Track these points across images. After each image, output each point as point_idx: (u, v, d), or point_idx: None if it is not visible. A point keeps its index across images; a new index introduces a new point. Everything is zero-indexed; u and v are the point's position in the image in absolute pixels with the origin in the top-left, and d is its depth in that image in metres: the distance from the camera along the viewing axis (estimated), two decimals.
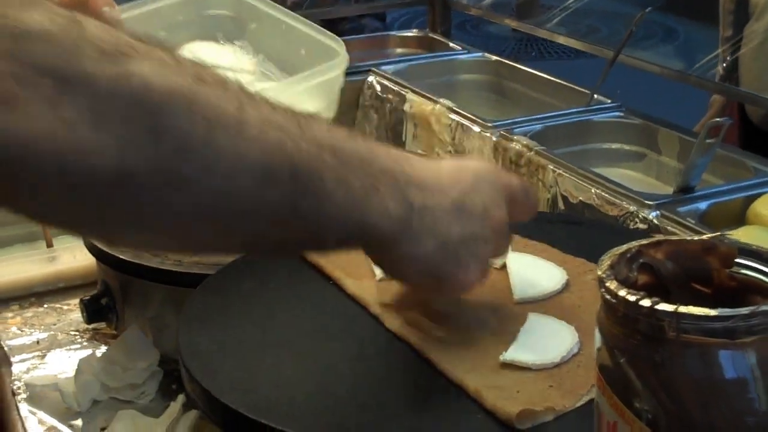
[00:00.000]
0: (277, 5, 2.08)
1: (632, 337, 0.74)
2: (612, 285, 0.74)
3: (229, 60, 1.82)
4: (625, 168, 1.99)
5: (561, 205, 1.74)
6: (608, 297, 0.74)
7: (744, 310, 0.70)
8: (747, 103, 2.43)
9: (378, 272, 1.41)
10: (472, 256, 1.07)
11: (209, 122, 0.79)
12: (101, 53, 0.75)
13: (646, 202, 1.57)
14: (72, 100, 0.73)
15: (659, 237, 0.81)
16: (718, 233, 0.83)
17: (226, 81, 0.82)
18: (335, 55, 1.92)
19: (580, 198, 1.69)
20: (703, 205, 1.58)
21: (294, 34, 2.00)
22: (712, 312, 0.70)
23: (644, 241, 0.81)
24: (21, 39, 0.71)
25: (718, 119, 1.51)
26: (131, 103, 0.75)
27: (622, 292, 0.73)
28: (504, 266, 1.42)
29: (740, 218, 1.59)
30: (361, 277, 1.41)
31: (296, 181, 0.86)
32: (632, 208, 1.58)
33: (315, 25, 2.03)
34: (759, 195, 1.57)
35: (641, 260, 0.79)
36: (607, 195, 1.64)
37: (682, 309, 0.70)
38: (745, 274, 0.80)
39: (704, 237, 0.81)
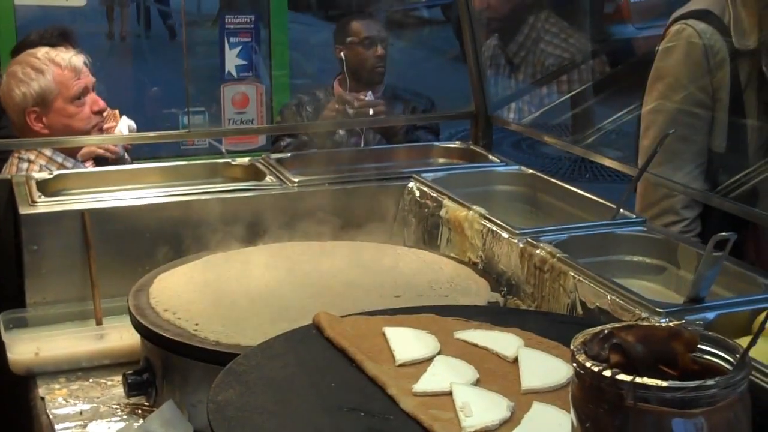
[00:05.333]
0: None
1: (598, 405, 0.84)
2: (581, 358, 0.85)
3: None
4: (646, 280, 2.08)
5: (579, 310, 1.84)
6: (577, 369, 0.85)
7: (692, 384, 0.80)
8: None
9: (398, 357, 1.52)
10: None
11: None
12: None
13: (657, 309, 1.66)
14: None
15: (630, 321, 0.92)
16: (683, 321, 0.93)
17: None
18: None
19: (597, 304, 1.79)
20: (710, 315, 1.66)
21: None
22: (664, 383, 0.80)
23: (617, 325, 0.91)
24: None
25: (724, 233, 1.61)
26: None
27: (588, 363, 0.83)
28: (516, 359, 1.52)
29: (746, 329, 1.67)
30: (382, 361, 1.52)
31: None
32: (644, 314, 1.67)
33: None
34: (765, 309, 1.65)
35: (613, 341, 0.90)
36: (621, 302, 1.73)
37: (639, 380, 0.81)
38: (707, 359, 0.90)
39: (671, 324, 0.91)
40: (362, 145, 4.01)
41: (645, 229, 2.15)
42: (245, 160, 2.69)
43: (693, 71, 2.38)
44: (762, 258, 2.43)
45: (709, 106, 2.39)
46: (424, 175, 2.54)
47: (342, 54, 4.32)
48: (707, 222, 2.45)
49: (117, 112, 3.33)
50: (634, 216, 2.20)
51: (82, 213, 2.27)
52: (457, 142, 2.97)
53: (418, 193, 2.47)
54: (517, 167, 2.63)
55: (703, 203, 2.42)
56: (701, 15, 2.37)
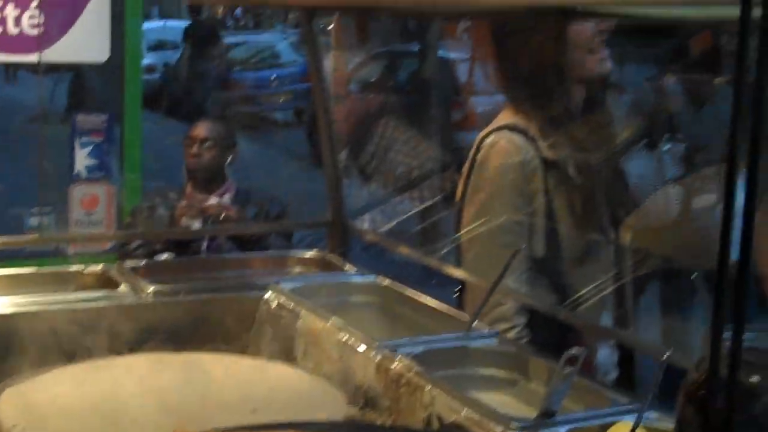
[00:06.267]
0: None
1: None
2: None
3: None
4: (500, 393, 2.12)
5: (435, 424, 1.86)
6: None
7: None
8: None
9: None
10: None
11: None
12: None
13: (511, 424, 1.71)
14: None
15: None
16: None
17: None
18: None
19: (453, 418, 1.82)
20: (562, 429, 1.72)
21: None
22: None
23: None
24: None
25: (575, 350, 1.67)
26: None
27: None
28: None
29: None
30: None
31: None
32: (498, 429, 1.71)
33: None
34: (613, 423, 1.72)
35: None
36: (476, 416, 1.77)
37: None
38: None
39: None
40: (215, 249, 4.00)
41: (497, 342, 2.21)
42: (98, 267, 2.64)
43: (511, 180, 2.48)
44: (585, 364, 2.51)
45: (528, 213, 2.49)
46: (281, 285, 2.54)
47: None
48: (533, 328, 2.51)
49: None
50: (487, 329, 2.26)
51: None
52: (313, 251, 2.99)
53: (275, 304, 2.47)
54: (372, 278, 2.67)
55: (530, 310, 2.49)
56: (512, 127, 2.49)
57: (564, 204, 2.51)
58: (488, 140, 2.52)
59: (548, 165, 2.48)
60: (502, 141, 2.49)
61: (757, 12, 0.83)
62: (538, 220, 2.48)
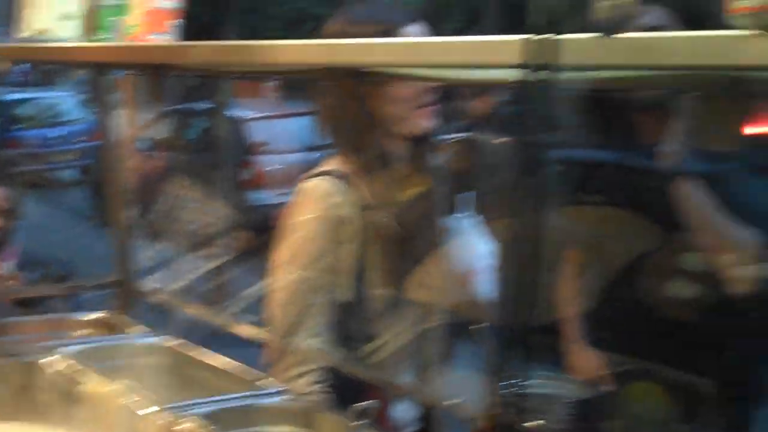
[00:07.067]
0: None
1: None
2: None
3: None
4: None
5: None
6: None
7: None
8: None
9: None
10: None
11: None
12: None
13: None
14: None
15: None
16: None
17: None
18: None
19: None
20: None
21: None
22: None
23: None
24: None
25: (363, 403, 1.68)
26: None
27: None
28: None
29: None
30: None
31: None
32: None
33: None
34: None
35: None
36: None
37: None
38: None
39: None
40: None
41: (287, 398, 2.20)
42: None
43: (326, 226, 2.47)
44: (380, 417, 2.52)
45: (339, 257, 2.49)
46: (63, 348, 2.44)
47: None
48: (335, 370, 2.51)
49: None
50: (277, 387, 2.24)
51: None
52: (98, 313, 2.90)
53: (55, 369, 2.37)
54: (160, 339, 2.60)
55: (334, 351, 2.48)
56: (333, 173, 2.50)
57: (376, 253, 2.51)
58: (307, 184, 2.50)
59: (365, 214, 2.48)
60: (322, 186, 2.48)
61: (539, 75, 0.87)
62: (349, 267, 2.48)
